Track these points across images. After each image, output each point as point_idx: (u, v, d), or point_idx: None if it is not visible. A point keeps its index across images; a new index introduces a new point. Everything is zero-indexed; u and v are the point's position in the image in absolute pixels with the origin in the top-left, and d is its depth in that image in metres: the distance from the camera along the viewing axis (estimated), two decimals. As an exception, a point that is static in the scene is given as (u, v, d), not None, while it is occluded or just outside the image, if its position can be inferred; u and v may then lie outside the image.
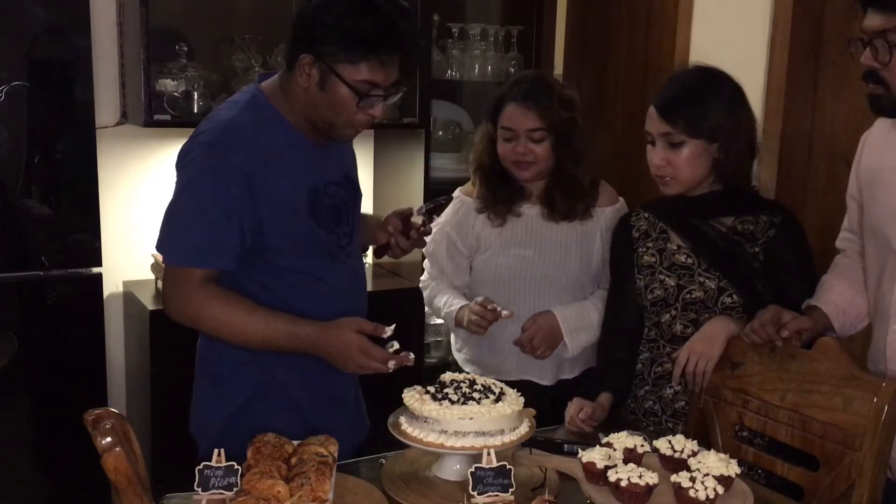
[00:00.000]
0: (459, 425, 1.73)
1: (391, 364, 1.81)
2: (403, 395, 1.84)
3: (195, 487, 1.55)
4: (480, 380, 1.91)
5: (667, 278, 2.14)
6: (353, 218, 2.05)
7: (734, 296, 2.09)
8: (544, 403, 2.04)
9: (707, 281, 2.10)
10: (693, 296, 2.11)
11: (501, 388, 1.87)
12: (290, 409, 1.97)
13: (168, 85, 3.08)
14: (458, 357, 2.57)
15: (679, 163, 2.05)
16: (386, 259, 2.32)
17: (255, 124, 1.88)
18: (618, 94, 3.57)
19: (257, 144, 1.86)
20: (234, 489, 1.56)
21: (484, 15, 3.73)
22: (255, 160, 1.84)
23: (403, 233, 2.14)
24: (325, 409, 2.01)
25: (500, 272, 2.42)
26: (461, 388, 1.85)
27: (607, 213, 2.41)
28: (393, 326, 1.83)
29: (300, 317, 1.88)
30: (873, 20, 1.84)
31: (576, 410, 2.11)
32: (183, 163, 1.88)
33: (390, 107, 2.98)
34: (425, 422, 1.76)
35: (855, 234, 2.13)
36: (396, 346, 1.83)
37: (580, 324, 2.36)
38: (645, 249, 2.19)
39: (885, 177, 1.97)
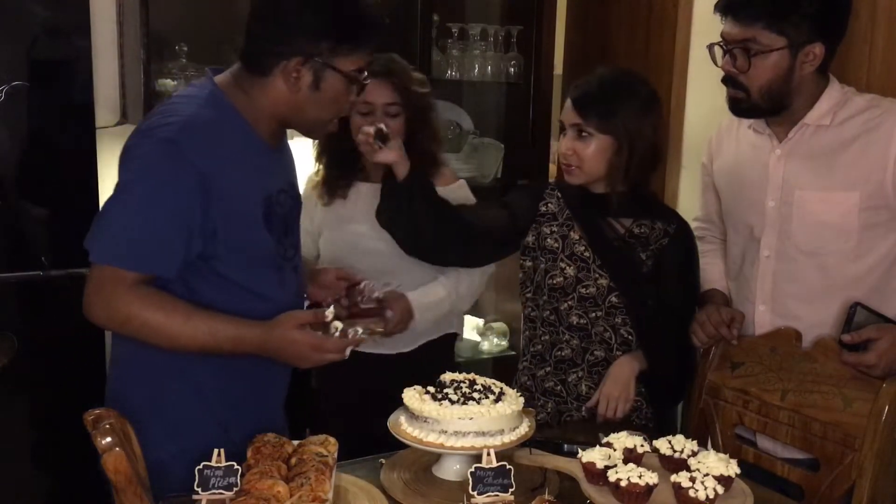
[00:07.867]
0: (459, 425, 1.73)
1: (347, 351, 1.79)
2: (403, 395, 1.84)
3: (195, 487, 1.55)
4: (480, 380, 1.91)
5: (567, 267, 2.20)
6: (297, 228, 2.00)
7: (620, 297, 2.16)
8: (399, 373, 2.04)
9: (600, 278, 2.17)
10: (588, 290, 2.18)
11: (501, 388, 1.87)
12: (214, 424, 1.84)
13: (168, 85, 3.07)
14: None
15: (585, 154, 2.14)
16: None
17: (217, 123, 1.76)
18: (618, 94, 3.56)
19: (218, 145, 1.74)
20: (234, 489, 1.56)
21: (484, 15, 3.72)
22: (214, 162, 1.72)
23: (348, 299, 2.07)
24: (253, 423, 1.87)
25: (340, 249, 2.46)
26: (461, 388, 1.85)
27: (440, 191, 2.39)
28: (332, 308, 1.82)
29: (240, 319, 1.76)
30: (732, 29, 1.96)
31: None
32: (131, 156, 1.74)
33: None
34: (425, 422, 1.76)
35: (713, 223, 2.35)
36: (340, 325, 1.80)
37: (428, 301, 2.35)
38: (549, 231, 2.25)
39: (741, 171, 2.15)
